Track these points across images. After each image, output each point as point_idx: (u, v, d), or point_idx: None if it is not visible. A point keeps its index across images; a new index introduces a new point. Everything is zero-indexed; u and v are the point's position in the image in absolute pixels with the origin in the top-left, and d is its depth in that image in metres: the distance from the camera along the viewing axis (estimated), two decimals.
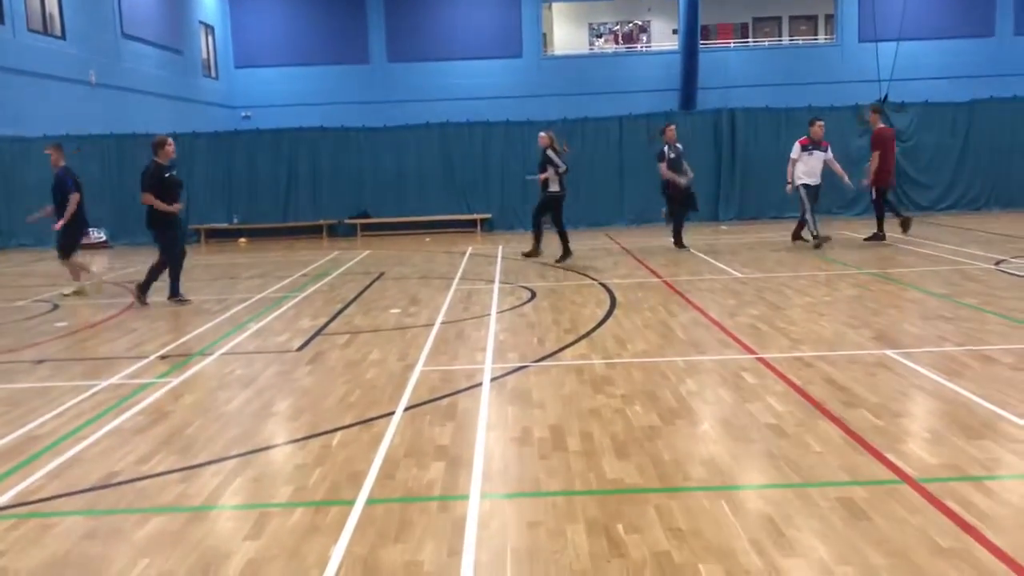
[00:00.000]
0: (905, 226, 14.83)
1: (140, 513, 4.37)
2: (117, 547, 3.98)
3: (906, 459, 4.71)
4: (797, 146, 14.56)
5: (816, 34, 36.87)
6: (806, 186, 14.32)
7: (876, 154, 14.60)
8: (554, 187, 13.78)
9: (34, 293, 12.46)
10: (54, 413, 6.16)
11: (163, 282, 10.79)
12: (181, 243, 10.84)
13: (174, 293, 10.77)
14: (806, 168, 14.39)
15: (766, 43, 35.89)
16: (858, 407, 5.65)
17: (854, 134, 20.31)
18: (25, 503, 4.55)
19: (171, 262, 10.69)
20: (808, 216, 14.29)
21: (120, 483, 4.80)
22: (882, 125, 15.00)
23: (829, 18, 35.35)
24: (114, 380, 7.06)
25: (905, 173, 20.48)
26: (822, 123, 14.77)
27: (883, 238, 14.79)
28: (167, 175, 10.44)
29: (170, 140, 10.58)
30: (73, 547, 4.00)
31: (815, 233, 14.19)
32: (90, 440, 5.53)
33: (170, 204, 10.45)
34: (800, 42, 35.83)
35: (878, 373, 6.47)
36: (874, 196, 14.86)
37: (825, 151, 14.54)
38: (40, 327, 9.68)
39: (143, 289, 10.70)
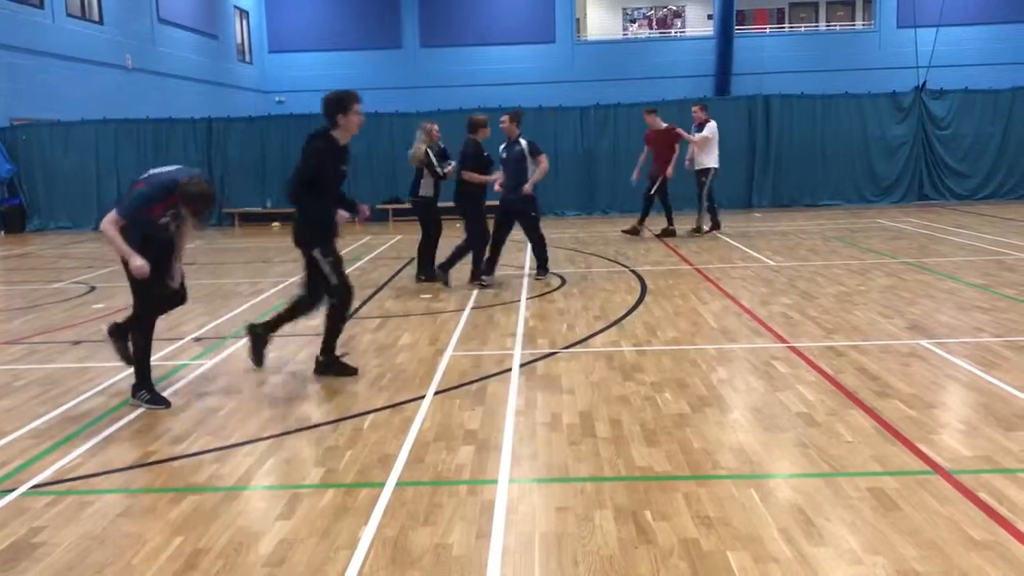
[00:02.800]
0: (634, 231, 14.89)
1: (174, 492, 4.44)
2: (152, 525, 4.05)
3: (939, 450, 4.67)
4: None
5: (853, 19, 36.38)
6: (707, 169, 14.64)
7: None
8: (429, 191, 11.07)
9: (71, 275, 12.66)
10: (91, 393, 6.27)
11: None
12: (481, 227, 10.57)
13: (476, 274, 10.58)
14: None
15: (802, 28, 35.46)
16: (891, 397, 5.60)
17: (892, 121, 20.07)
18: (64, 480, 4.65)
19: (477, 243, 10.51)
20: (707, 202, 14.73)
21: (155, 462, 4.88)
22: (656, 125, 14.80)
23: (867, 3, 34.86)
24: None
25: (943, 161, 20.21)
26: (695, 107, 15.09)
27: (674, 232, 14.84)
28: (485, 153, 10.53)
29: (486, 119, 10.76)
30: (109, 524, 4.08)
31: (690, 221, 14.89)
32: (126, 420, 5.63)
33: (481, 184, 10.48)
34: (837, 28, 35.38)
35: (912, 363, 6.41)
36: (653, 190, 14.60)
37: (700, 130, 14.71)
38: (77, 309, 9.83)
39: (445, 268, 10.43)
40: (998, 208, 18.46)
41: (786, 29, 35.72)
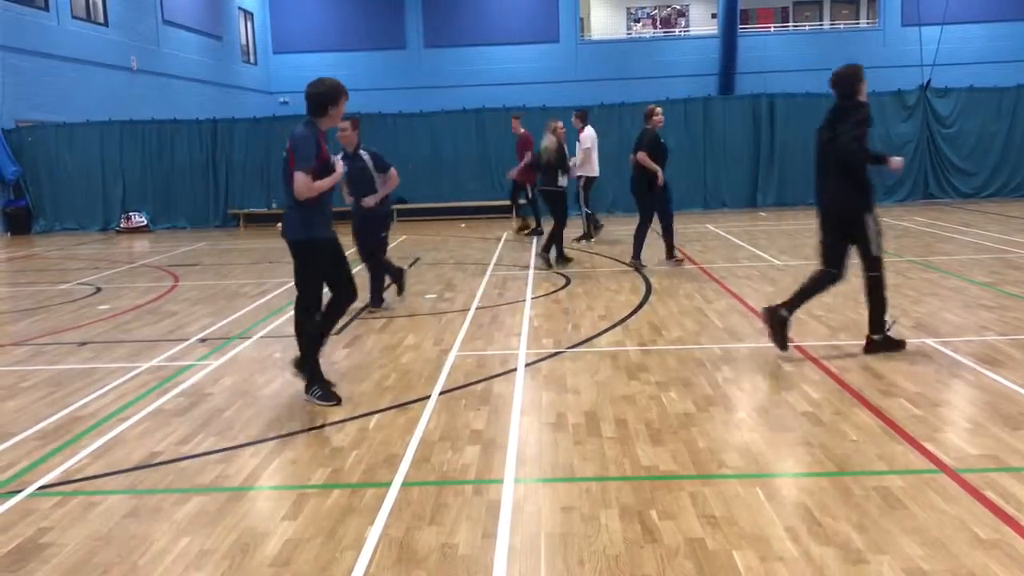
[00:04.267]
0: (525, 229, 15.52)
1: (181, 493, 4.45)
2: (158, 525, 4.06)
3: (944, 449, 4.66)
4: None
5: (858, 18, 36.30)
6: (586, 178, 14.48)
7: (530, 155, 14.56)
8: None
9: (77, 276, 12.69)
10: (97, 394, 6.28)
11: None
12: (669, 207, 11.41)
13: (639, 256, 11.39)
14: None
15: (807, 27, 35.40)
16: (896, 396, 5.59)
17: (897, 120, 20.04)
18: (70, 481, 4.66)
19: (644, 226, 11.42)
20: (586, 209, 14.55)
21: (161, 463, 4.89)
22: (524, 130, 15.43)
23: (871, 1, 34.79)
24: (155, 362, 7.18)
25: (948, 160, 20.17)
26: (574, 116, 14.65)
27: (541, 232, 14.79)
28: (662, 140, 11.16)
29: (659, 110, 11.33)
30: (116, 525, 4.09)
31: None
32: (132, 421, 5.64)
33: (661, 169, 11.11)
34: (841, 26, 35.30)
35: (917, 362, 6.40)
36: (530, 195, 15.32)
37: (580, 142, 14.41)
38: (83, 310, 9.86)
39: (671, 253, 11.52)
40: (1003, 206, 18.41)
41: (790, 28, 35.66)
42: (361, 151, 8.73)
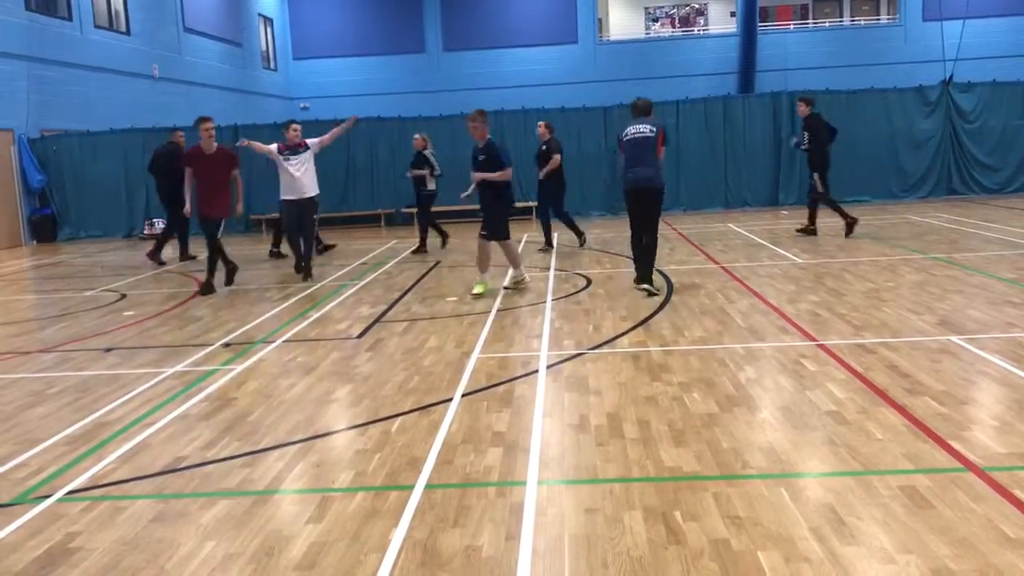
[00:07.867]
0: (229, 277, 11.63)
1: (206, 497, 4.49)
2: (184, 529, 4.09)
3: (971, 447, 4.61)
4: None
5: (878, 14, 36.04)
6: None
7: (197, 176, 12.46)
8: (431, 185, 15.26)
9: (103, 283, 12.81)
10: (123, 399, 6.34)
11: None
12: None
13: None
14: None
15: (827, 24, 35.20)
16: (921, 394, 5.55)
17: (919, 116, 19.89)
18: (98, 486, 4.70)
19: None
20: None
21: (187, 468, 4.93)
22: (208, 147, 12.79)
23: None
24: (180, 367, 7.24)
25: (971, 155, 19.98)
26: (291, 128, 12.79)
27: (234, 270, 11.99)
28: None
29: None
30: (143, 529, 4.12)
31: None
32: (158, 426, 5.69)
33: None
34: (862, 22, 35.08)
35: (942, 360, 6.34)
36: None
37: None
38: (108, 316, 9.95)
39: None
40: None
41: (810, 25, 35.46)
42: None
